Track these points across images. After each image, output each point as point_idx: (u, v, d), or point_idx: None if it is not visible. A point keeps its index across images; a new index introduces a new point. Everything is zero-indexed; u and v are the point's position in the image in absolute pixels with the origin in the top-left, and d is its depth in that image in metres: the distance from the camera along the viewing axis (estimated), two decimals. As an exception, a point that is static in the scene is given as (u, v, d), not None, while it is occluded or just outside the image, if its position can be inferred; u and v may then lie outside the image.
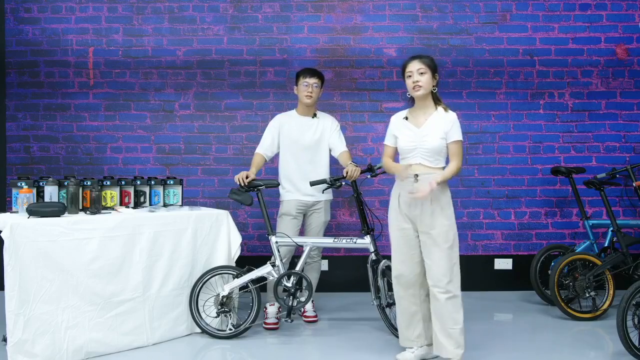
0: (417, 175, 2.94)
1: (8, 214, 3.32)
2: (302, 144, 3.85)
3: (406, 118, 3.06)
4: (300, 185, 3.82)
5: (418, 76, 2.95)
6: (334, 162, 3.95)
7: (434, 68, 2.99)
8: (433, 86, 2.99)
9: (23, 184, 3.24)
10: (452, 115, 2.99)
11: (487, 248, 4.77)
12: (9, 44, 4.70)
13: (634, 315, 2.99)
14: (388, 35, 4.73)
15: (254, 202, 3.70)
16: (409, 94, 3.04)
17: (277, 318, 3.79)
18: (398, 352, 3.16)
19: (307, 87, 3.79)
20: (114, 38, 4.71)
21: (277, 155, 3.97)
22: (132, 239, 3.28)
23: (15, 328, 2.86)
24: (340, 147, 3.84)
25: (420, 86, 2.95)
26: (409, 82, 2.99)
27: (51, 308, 2.97)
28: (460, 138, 2.98)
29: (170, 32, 4.71)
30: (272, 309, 3.82)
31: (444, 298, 2.90)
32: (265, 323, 3.76)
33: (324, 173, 3.83)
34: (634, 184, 4.31)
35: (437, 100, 3.03)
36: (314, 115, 3.90)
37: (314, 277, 3.92)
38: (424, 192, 2.83)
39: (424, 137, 2.96)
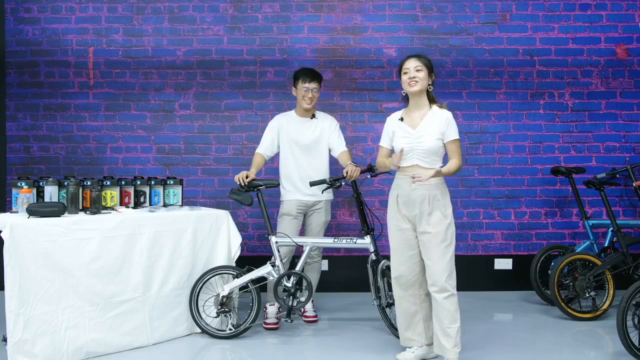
0: (414, 177, 2.94)
1: (8, 214, 3.32)
2: (301, 144, 3.85)
3: (401, 119, 3.05)
4: (300, 185, 3.82)
5: (415, 72, 2.95)
6: (333, 162, 3.95)
7: (430, 67, 3.00)
8: (429, 84, 3.00)
9: (23, 184, 3.24)
10: (447, 114, 2.98)
11: (487, 248, 4.77)
12: (9, 44, 4.70)
13: (634, 315, 2.99)
14: (388, 35, 4.73)
15: (254, 202, 3.70)
16: (404, 92, 3.04)
17: (277, 318, 3.78)
18: (398, 352, 3.16)
19: (307, 92, 3.78)
20: (114, 38, 4.71)
21: (277, 155, 3.97)
22: (132, 239, 3.28)
23: (15, 328, 2.85)
24: (340, 147, 3.84)
25: (417, 81, 2.95)
26: (404, 78, 2.99)
27: (51, 308, 2.97)
28: (457, 136, 2.98)
29: (170, 32, 4.71)
30: (272, 309, 3.82)
31: (442, 297, 2.90)
32: (265, 323, 3.76)
33: (323, 173, 3.83)
34: (634, 184, 4.31)
35: (432, 100, 3.04)
36: (313, 116, 3.90)
37: (314, 277, 3.92)
38: (426, 176, 2.83)
39: (420, 139, 2.96)
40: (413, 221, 2.99)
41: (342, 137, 3.91)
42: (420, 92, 2.99)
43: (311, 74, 3.80)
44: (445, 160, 3.02)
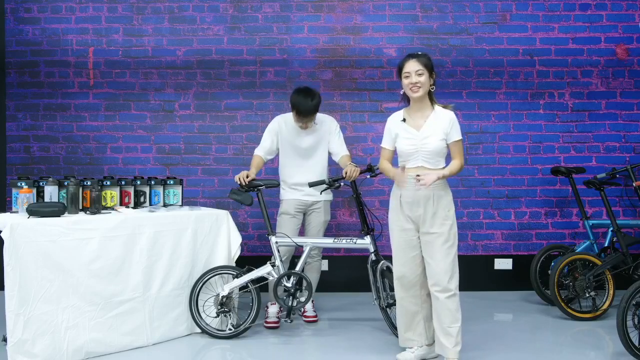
0: (418, 175, 2.91)
1: (8, 214, 3.32)
2: (300, 148, 3.84)
3: (404, 120, 3.03)
4: (299, 186, 3.82)
5: (416, 77, 2.91)
6: (333, 162, 3.95)
7: (431, 67, 2.96)
8: (431, 85, 2.97)
9: (23, 184, 3.24)
10: (450, 115, 2.96)
11: (487, 248, 4.77)
12: (9, 44, 4.70)
13: (634, 315, 2.99)
14: (388, 35, 4.73)
15: (254, 202, 3.70)
16: (402, 91, 3.02)
17: (277, 317, 3.79)
18: (398, 352, 3.16)
19: (301, 125, 3.76)
20: (114, 38, 4.71)
21: (277, 155, 3.97)
22: (132, 239, 3.28)
23: (15, 328, 2.86)
24: (340, 152, 3.83)
25: (419, 87, 2.92)
26: (405, 82, 2.95)
27: (51, 308, 2.97)
28: (460, 137, 2.97)
29: (170, 32, 4.71)
30: (273, 308, 3.82)
31: (444, 297, 2.90)
32: (266, 322, 3.77)
33: (322, 175, 3.82)
34: (634, 184, 4.31)
35: (433, 100, 3.02)
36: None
37: (314, 277, 3.91)
38: (430, 180, 2.82)
39: (424, 140, 2.94)
40: (416, 221, 2.98)
41: (342, 139, 3.89)
42: (422, 95, 2.97)
43: (306, 113, 3.68)
44: (448, 160, 3.01)
